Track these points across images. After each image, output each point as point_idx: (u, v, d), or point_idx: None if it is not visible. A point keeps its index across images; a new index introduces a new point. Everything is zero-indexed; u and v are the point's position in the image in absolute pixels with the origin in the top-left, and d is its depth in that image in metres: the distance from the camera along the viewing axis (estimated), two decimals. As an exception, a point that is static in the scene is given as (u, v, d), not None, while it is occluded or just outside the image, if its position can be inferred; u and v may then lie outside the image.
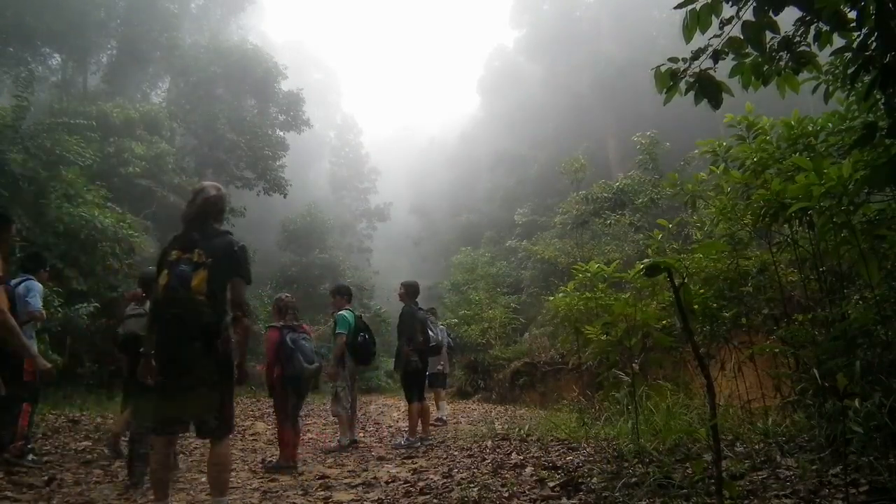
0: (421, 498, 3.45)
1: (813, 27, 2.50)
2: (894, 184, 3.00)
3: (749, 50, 2.50)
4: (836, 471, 2.52)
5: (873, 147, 2.94)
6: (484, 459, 4.56)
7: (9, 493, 3.90)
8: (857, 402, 2.68)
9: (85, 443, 6.28)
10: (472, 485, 3.50)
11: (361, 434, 7.17)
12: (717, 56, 2.48)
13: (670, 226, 6.04)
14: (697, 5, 2.39)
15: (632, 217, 14.14)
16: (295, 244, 24.80)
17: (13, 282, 4.62)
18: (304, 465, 5.26)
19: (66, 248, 9.98)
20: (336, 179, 37.09)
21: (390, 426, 8.62)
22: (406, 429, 6.76)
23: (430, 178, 42.62)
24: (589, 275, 5.98)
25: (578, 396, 8.09)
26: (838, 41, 2.59)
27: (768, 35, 2.44)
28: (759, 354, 4.55)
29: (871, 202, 3.29)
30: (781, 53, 2.57)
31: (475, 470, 4.11)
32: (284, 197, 22.23)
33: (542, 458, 4.09)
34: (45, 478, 4.44)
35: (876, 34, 2.21)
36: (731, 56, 2.55)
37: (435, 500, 3.32)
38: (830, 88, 3.70)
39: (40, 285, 4.96)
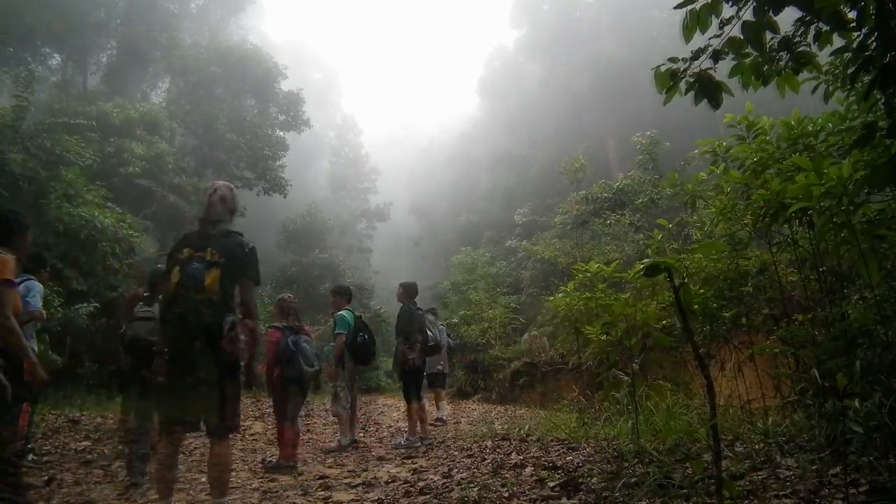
0: (421, 498, 3.45)
1: (813, 27, 2.49)
2: (894, 184, 3.00)
3: (749, 50, 2.50)
4: (835, 471, 2.52)
5: (873, 147, 2.94)
6: (484, 459, 4.56)
7: (8, 494, 3.89)
8: (857, 402, 2.68)
9: (85, 443, 6.29)
10: (471, 485, 3.50)
11: (361, 434, 7.18)
12: (716, 56, 2.48)
13: (670, 226, 6.04)
14: (697, 5, 2.39)
15: (632, 217, 14.14)
16: (295, 244, 24.80)
17: (15, 281, 4.62)
18: (304, 465, 5.26)
19: (66, 248, 9.98)
20: (336, 179, 37.08)
21: (390, 426, 8.62)
22: (406, 429, 6.76)
23: (430, 178, 42.62)
24: (589, 275, 5.98)
25: (578, 396, 8.09)
26: (838, 41, 2.59)
27: (768, 35, 2.44)
28: (759, 354, 4.55)
29: (871, 202, 3.29)
30: (781, 53, 2.57)
31: (475, 470, 4.10)
32: (284, 197, 22.23)
33: (542, 458, 4.09)
34: (45, 478, 4.45)
35: (876, 34, 2.21)
36: (730, 56, 2.55)
37: (435, 500, 3.32)
38: (830, 88, 3.70)
39: (40, 285, 4.96)
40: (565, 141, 28.07)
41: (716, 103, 2.52)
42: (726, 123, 4.56)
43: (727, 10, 2.41)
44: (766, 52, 2.51)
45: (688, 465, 2.99)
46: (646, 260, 2.37)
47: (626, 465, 3.35)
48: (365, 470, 4.83)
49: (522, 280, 20.10)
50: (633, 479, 2.92)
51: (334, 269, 24.25)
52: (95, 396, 9.69)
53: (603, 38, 30.52)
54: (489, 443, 5.47)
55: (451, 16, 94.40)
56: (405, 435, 6.45)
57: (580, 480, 3.16)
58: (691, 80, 2.52)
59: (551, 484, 3.23)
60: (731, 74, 2.64)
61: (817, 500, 2.31)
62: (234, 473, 4.61)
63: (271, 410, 6.43)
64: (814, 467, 2.64)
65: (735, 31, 2.43)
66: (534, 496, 3.07)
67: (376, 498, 3.65)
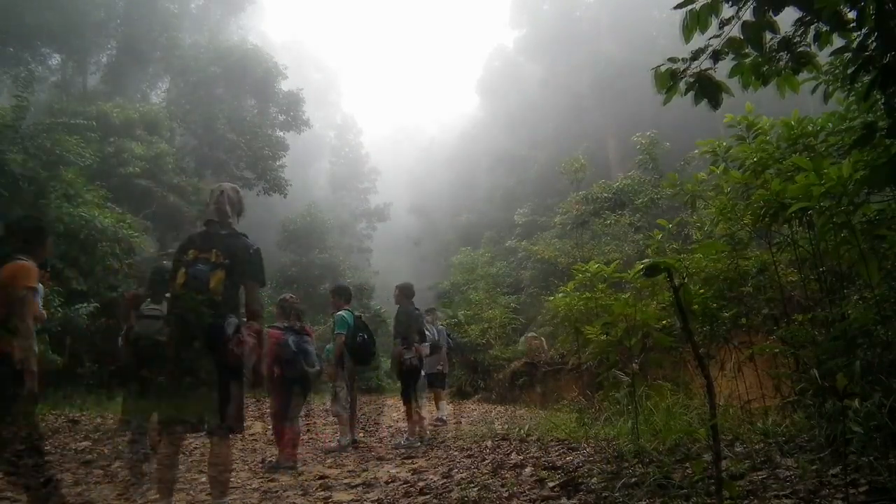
0: (420, 498, 3.44)
1: (812, 27, 2.49)
2: (894, 184, 3.00)
3: (749, 50, 2.50)
4: (835, 471, 2.52)
5: (873, 147, 2.94)
6: (483, 459, 4.56)
7: (8, 493, 3.90)
8: (856, 402, 2.68)
9: (84, 443, 6.28)
10: (471, 485, 3.50)
11: (361, 434, 7.18)
12: (716, 56, 2.48)
13: (670, 226, 6.03)
14: (697, 5, 2.39)
15: (631, 217, 14.15)
16: (295, 244, 24.79)
17: None
18: (303, 465, 5.26)
19: (65, 248, 9.98)
20: (336, 179, 37.08)
21: (390, 426, 8.62)
22: (406, 428, 6.76)
23: (430, 178, 42.64)
24: (589, 275, 5.98)
25: (578, 396, 8.09)
26: (838, 41, 2.59)
27: (768, 35, 2.44)
28: (758, 354, 4.54)
29: (871, 202, 3.29)
30: (781, 53, 2.57)
31: (475, 470, 4.10)
32: (284, 197, 22.24)
33: (542, 459, 4.09)
34: (44, 479, 4.43)
35: (875, 34, 2.21)
36: (730, 56, 2.55)
37: (434, 501, 3.32)
38: (830, 88, 3.70)
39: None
40: (565, 141, 28.08)
41: (715, 103, 2.52)
42: (726, 123, 4.56)
43: (727, 11, 2.41)
44: (766, 52, 2.51)
45: (688, 465, 2.99)
46: (646, 260, 2.36)
47: (626, 465, 3.35)
48: (365, 470, 4.83)
49: (522, 280, 20.11)
50: (633, 479, 2.91)
51: (334, 269, 24.25)
52: (95, 396, 9.69)
53: (603, 38, 30.53)
54: (489, 443, 5.47)
55: (450, 16, 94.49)
56: (405, 435, 6.45)
57: (580, 480, 3.16)
58: (691, 80, 2.52)
59: (551, 484, 3.23)
60: (731, 74, 2.64)
61: (817, 500, 2.30)
62: (234, 473, 4.61)
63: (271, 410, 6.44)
64: (813, 467, 2.64)
65: (735, 31, 2.43)
66: (533, 496, 3.06)
67: (376, 498, 3.65)
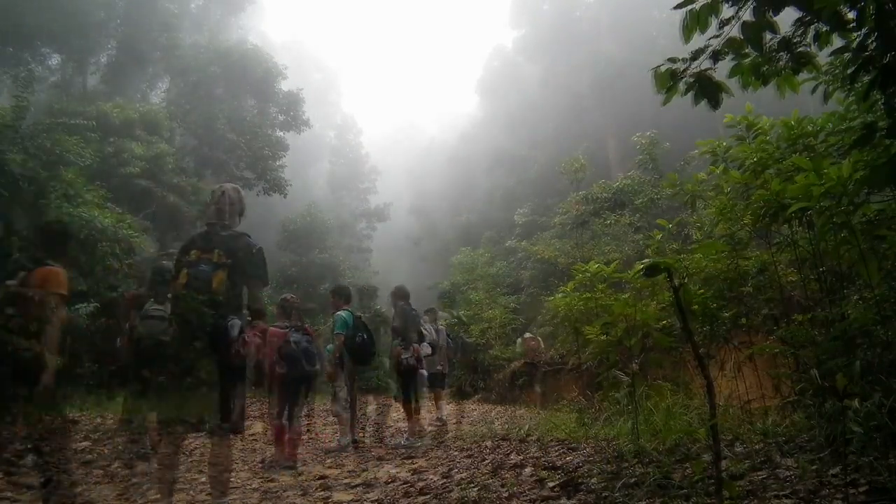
0: (420, 498, 3.45)
1: (812, 27, 2.49)
2: (894, 184, 3.00)
3: (748, 50, 2.50)
4: (835, 471, 2.52)
5: (873, 147, 2.94)
6: (483, 460, 4.56)
7: (8, 494, 3.90)
8: (856, 402, 2.68)
9: (84, 443, 6.28)
10: (471, 485, 3.50)
11: (361, 434, 7.18)
12: (716, 56, 2.48)
13: (670, 226, 6.03)
14: (697, 6, 2.39)
15: (631, 217, 14.14)
16: (295, 244, 24.78)
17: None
18: (303, 466, 5.26)
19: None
20: (336, 179, 37.06)
21: (390, 426, 8.61)
22: (406, 428, 6.76)
23: (430, 178, 42.62)
24: (588, 275, 5.98)
25: (578, 397, 8.09)
26: (838, 41, 2.59)
27: (768, 35, 2.44)
28: (758, 354, 4.54)
29: (871, 202, 3.29)
30: (781, 54, 2.57)
31: (474, 470, 4.10)
32: (284, 197, 22.23)
33: (542, 459, 4.09)
34: (44, 479, 4.43)
35: (875, 34, 2.22)
36: (730, 56, 2.55)
37: (434, 501, 3.32)
38: (830, 89, 3.70)
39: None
40: (565, 141, 28.07)
41: (715, 103, 2.53)
42: (726, 124, 4.56)
43: (727, 11, 2.41)
44: (766, 52, 2.51)
45: (687, 465, 2.98)
46: (645, 260, 2.36)
47: (626, 465, 3.35)
48: (364, 470, 4.84)
49: (522, 280, 20.10)
50: (633, 480, 2.91)
51: (334, 269, 24.24)
52: (95, 397, 9.68)
53: (603, 38, 30.52)
54: (489, 443, 5.47)
55: (450, 16, 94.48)
56: (405, 435, 6.46)
57: (580, 480, 3.16)
58: (691, 80, 2.52)
59: (551, 484, 3.23)
60: (731, 75, 2.64)
61: (817, 501, 2.30)
62: (234, 473, 4.61)
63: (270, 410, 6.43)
64: (813, 467, 2.64)
65: (735, 31, 2.43)
66: (533, 496, 3.06)
67: (376, 498, 3.65)
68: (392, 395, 7.40)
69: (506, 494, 3.16)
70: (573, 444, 4.54)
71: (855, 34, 2.42)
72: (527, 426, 6.25)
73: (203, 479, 4.50)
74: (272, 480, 4.62)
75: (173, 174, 16.68)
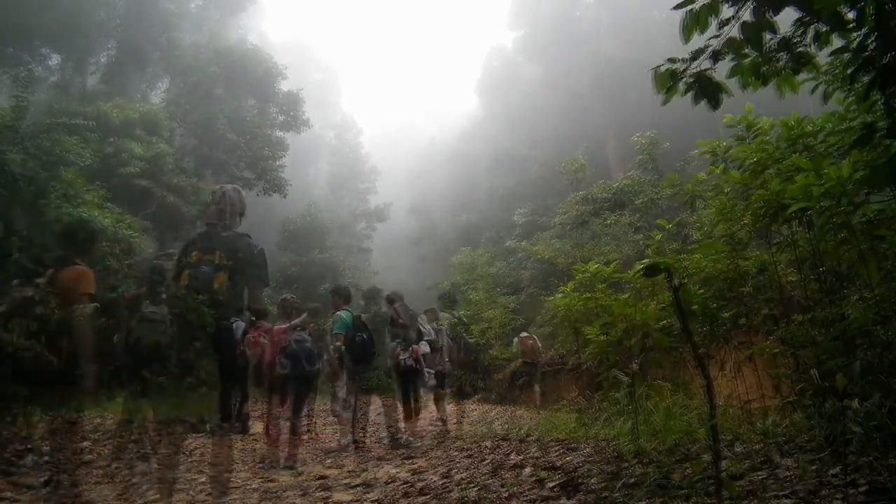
0: (420, 498, 3.44)
1: (812, 27, 2.49)
2: (894, 184, 3.00)
3: (748, 50, 2.50)
4: (835, 471, 2.52)
5: (872, 147, 2.94)
6: (483, 460, 4.56)
7: (7, 494, 3.90)
8: (856, 403, 2.68)
9: (83, 443, 6.27)
10: (471, 485, 3.50)
11: (361, 434, 7.17)
12: (716, 56, 2.48)
13: (669, 226, 6.03)
14: (696, 6, 2.39)
15: (631, 217, 14.13)
16: (294, 244, 24.78)
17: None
18: (303, 466, 5.26)
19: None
20: (335, 179, 37.06)
21: (390, 426, 8.60)
22: (405, 429, 6.76)
23: (430, 178, 42.61)
24: (588, 275, 5.98)
25: (578, 397, 8.09)
26: (838, 41, 2.59)
27: (767, 35, 2.44)
28: (758, 355, 4.55)
29: (871, 202, 3.29)
30: (780, 54, 2.57)
31: (474, 470, 4.10)
32: (284, 197, 22.22)
33: (542, 459, 4.09)
34: (44, 479, 4.43)
35: (875, 34, 2.22)
36: (730, 56, 2.55)
37: (434, 501, 3.32)
38: (830, 89, 3.70)
39: None
40: (565, 141, 28.05)
41: (715, 103, 2.53)
42: (726, 124, 4.56)
43: (726, 11, 2.41)
44: (766, 52, 2.51)
45: (687, 465, 2.99)
46: (645, 260, 2.36)
47: (626, 465, 3.35)
48: (364, 470, 4.83)
49: (522, 280, 20.09)
50: (633, 480, 2.91)
51: (334, 270, 24.24)
52: (94, 397, 9.68)
53: (603, 38, 30.51)
54: (488, 443, 5.47)
55: (450, 16, 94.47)
56: (405, 435, 6.46)
57: (579, 481, 3.16)
58: (690, 80, 2.52)
59: (550, 484, 3.23)
60: (731, 75, 2.64)
61: (816, 501, 2.30)
62: (234, 473, 4.61)
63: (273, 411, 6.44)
64: (813, 467, 2.64)
65: (734, 31, 2.43)
66: (533, 496, 3.06)
67: (375, 498, 3.65)
68: (392, 395, 7.40)
69: (505, 494, 3.16)
70: (573, 445, 4.54)
71: (855, 34, 2.42)
72: (526, 426, 6.25)
73: (203, 480, 4.50)
74: (272, 480, 4.62)
75: (173, 174, 16.67)
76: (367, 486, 4.08)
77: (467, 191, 36.55)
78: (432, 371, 7.17)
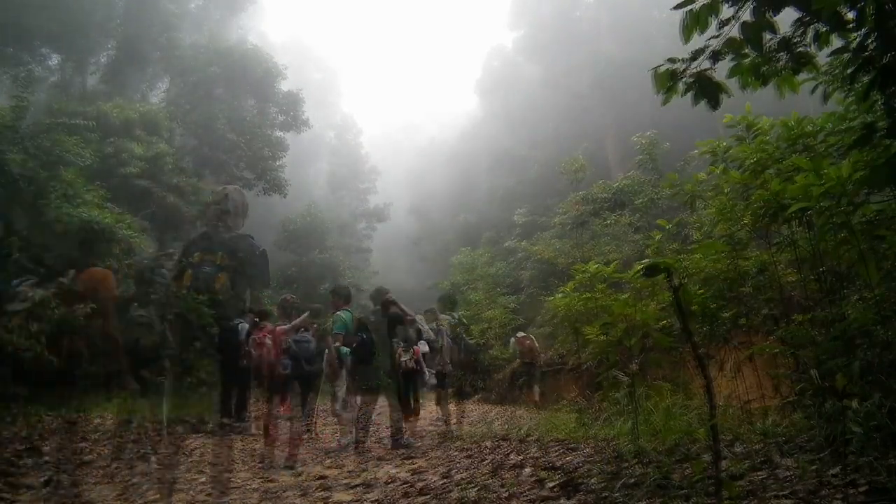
0: (420, 498, 3.44)
1: (812, 28, 2.49)
2: (893, 184, 3.01)
3: (748, 50, 2.50)
4: (835, 471, 2.52)
5: (872, 147, 2.94)
6: (483, 460, 4.56)
7: (6, 495, 3.90)
8: (856, 403, 2.68)
9: (83, 444, 6.27)
10: (470, 485, 3.49)
11: (362, 434, 7.16)
12: (716, 56, 2.49)
13: (669, 226, 6.04)
14: (696, 6, 2.39)
15: (631, 217, 14.13)
16: (294, 244, 24.79)
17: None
18: (303, 466, 5.26)
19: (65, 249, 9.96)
20: (335, 179, 37.06)
21: (389, 427, 8.60)
22: (405, 429, 6.75)
23: (430, 178, 42.59)
24: (588, 275, 5.98)
25: (577, 397, 8.09)
26: (837, 42, 2.59)
27: (767, 35, 2.44)
28: (758, 355, 4.55)
29: (871, 202, 3.29)
30: (780, 54, 2.57)
31: (474, 470, 4.10)
32: (284, 197, 22.23)
33: (541, 459, 4.08)
34: (43, 479, 4.43)
35: (875, 35, 2.22)
36: (730, 56, 2.55)
37: (434, 501, 3.32)
38: (829, 89, 3.70)
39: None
40: (565, 141, 28.04)
41: (715, 103, 2.53)
42: (725, 124, 4.57)
43: (726, 11, 2.41)
44: (766, 52, 2.51)
45: (687, 465, 2.99)
46: (645, 260, 2.36)
47: (626, 465, 3.35)
48: (364, 470, 4.83)
49: (522, 280, 20.08)
50: (633, 480, 2.91)
51: (334, 270, 24.25)
52: (93, 397, 9.68)
53: (603, 38, 30.50)
54: (488, 443, 5.47)
55: (449, 16, 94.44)
56: (405, 434, 6.45)
57: (579, 481, 3.16)
58: (690, 80, 2.52)
59: (550, 484, 3.23)
60: (731, 75, 2.64)
61: (816, 501, 2.30)
62: (233, 473, 4.61)
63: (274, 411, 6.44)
64: (813, 467, 2.64)
65: (734, 31, 2.43)
66: (533, 496, 3.06)
67: (375, 498, 3.65)
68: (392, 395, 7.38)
69: (505, 494, 3.16)
70: (573, 445, 4.54)
71: (855, 34, 2.42)
72: (526, 426, 6.25)
73: (202, 480, 4.50)
74: (272, 480, 4.62)
75: (173, 174, 16.66)
76: (367, 486, 4.08)
77: (467, 191, 36.53)
78: (433, 371, 7.16)
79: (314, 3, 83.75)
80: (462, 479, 3.81)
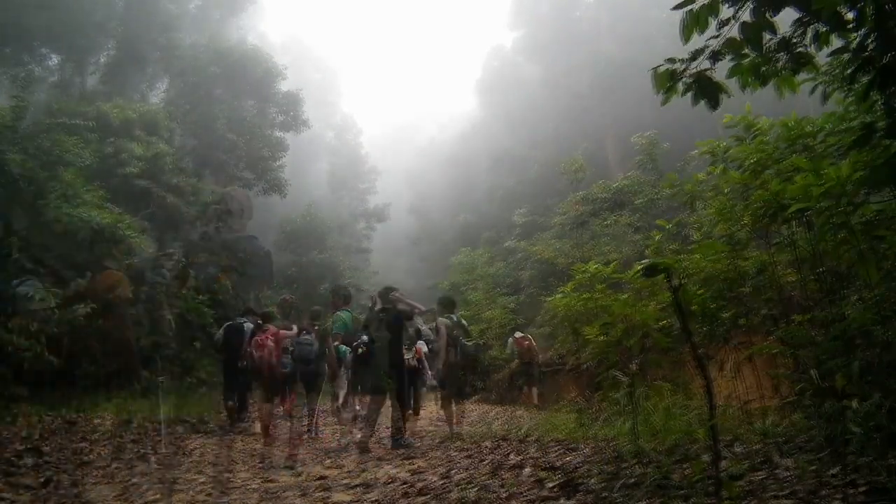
0: (420, 498, 3.44)
1: (811, 28, 2.50)
2: (893, 184, 3.01)
3: (748, 50, 2.50)
4: (834, 471, 2.52)
5: (872, 147, 2.94)
6: (482, 460, 4.56)
7: (6, 495, 3.90)
8: (855, 403, 2.68)
9: (82, 444, 6.27)
10: (470, 485, 3.49)
11: (362, 435, 7.16)
12: (715, 57, 2.49)
13: (669, 226, 6.04)
14: (696, 6, 2.39)
15: (631, 217, 14.13)
16: (294, 244, 24.77)
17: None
18: (303, 466, 5.26)
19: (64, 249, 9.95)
20: (335, 179, 37.04)
21: (389, 426, 8.60)
22: (405, 429, 6.75)
23: (430, 178, 42.58)
24: (588, 275, 5.98)
25: (577, 397, 8.09)
26: (837, 42, 2.59)
27: (767, 36, 2.44)
28: (757, 355, 4.55)
29: (870, 202, 3.29)
30: (780, 54, 2.57)
31: (474, 470, 4.10)
32: (283, 197, 22.21)
33: (541, 459, 4.09)
34: (43, 479, 4.43)
35: (874, 35, 2.22)
36: (729, 57, 2.55)
37: (433, 501, 3.32)
38: (829, 89, 3.70)
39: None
40: (565, 141, 28.04)
41: (714, 104, 2.53)
42: (725, 124, 4.57)
43: (726, 11, 2.41)
44: (765, 52, 2.51)
45: (687, 465, 2.99)
46: (645, 260, 2.37)
47: (625, 465, 3.35)
48: (364, 470, 4.83)
49: (521, 280, 20.07)
50: (632, 480, 2.91)
51: (333, 270, 24.23)
52: (93, 397, 9.67)
53: (603, 38, 30.51)
54: (488, 443, 5.47)
55: (449, 16, 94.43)
56: (405, 435, 6.45)
57: (579, 481, 3.16)
58: (690, 80, 2.52)
59: (550, 484, 3.23)
60: (730, 75, 2.64)
61: (816, 501, 2.30)
62: (233, 473, 4.61)
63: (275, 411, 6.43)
64: (812, 468, 2.64)
65: (734, 31, 2.43)
66: (532, 497, 3.06)
67: (375, 498, 3.65)
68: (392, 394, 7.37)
69: (505, 495, 3.16)
70: (572, 445, 4.54)
71: (854, 34, 2.42)
72: (526, 427, 6.25)
73: (202, 480, 4.50)
74: (272, 480, 4.62)
75: (172, 174, 16.64)
76: (367, 486, 4.08)
77: (467, 191, 36.53)
78: (433, 371, 7.16)
79: (314, 3, 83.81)
80: (462, 479, 3.81)
